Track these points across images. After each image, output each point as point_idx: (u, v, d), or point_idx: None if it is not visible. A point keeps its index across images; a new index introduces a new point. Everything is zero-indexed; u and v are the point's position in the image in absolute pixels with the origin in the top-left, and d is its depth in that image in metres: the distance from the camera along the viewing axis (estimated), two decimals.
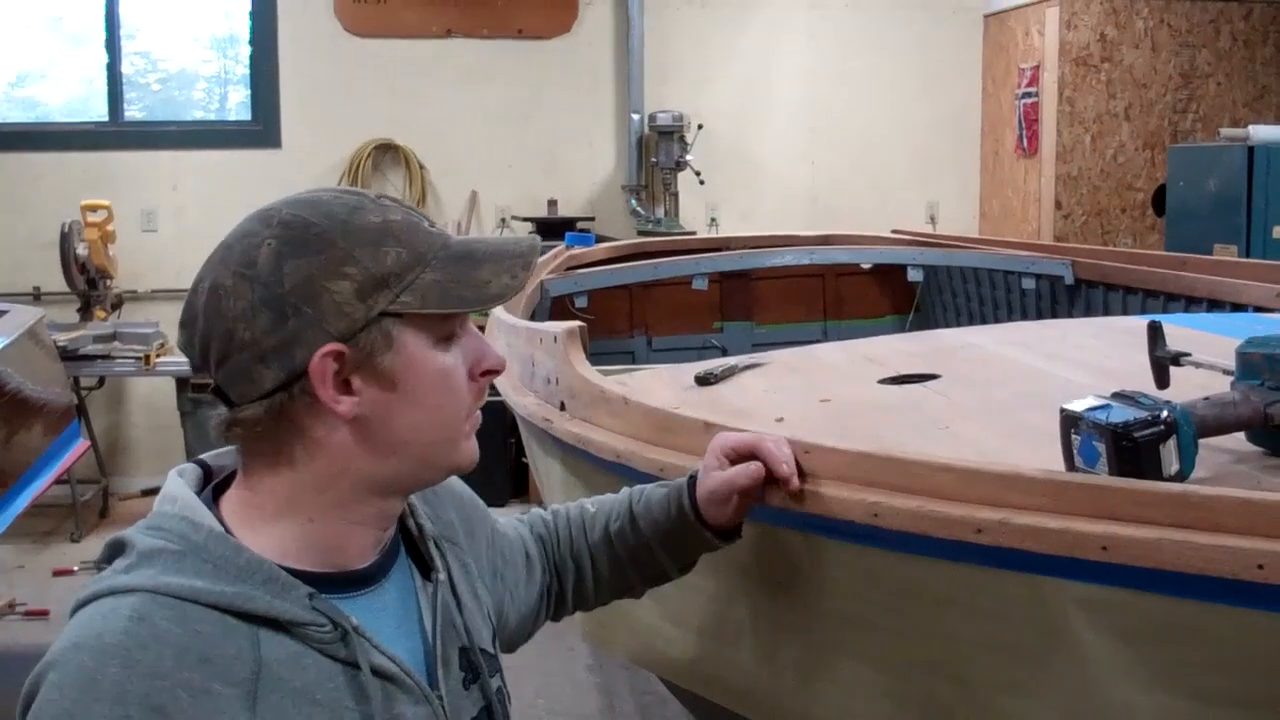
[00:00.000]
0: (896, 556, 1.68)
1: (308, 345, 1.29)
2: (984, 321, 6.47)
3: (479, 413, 1.45)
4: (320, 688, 1.28)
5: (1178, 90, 7.83)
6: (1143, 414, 1.57)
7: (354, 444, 1.33)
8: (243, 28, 8.22)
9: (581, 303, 5.64)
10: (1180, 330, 2.96)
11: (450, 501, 1.62)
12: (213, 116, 8.40)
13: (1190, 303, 4.92)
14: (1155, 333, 1.95)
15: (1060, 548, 1.47)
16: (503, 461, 7.63)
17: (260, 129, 8.05)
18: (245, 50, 8.26)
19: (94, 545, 6.66)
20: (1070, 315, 5.76)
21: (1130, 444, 1.55)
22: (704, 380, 2.51)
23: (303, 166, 7.88)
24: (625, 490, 1.90)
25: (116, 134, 7.91)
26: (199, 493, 1.38)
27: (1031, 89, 8.00)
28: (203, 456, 1.45)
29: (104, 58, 7.99)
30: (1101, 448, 1.57)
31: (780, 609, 1.98)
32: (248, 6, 8.03)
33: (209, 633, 1.22)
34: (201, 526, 1.29)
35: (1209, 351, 2.03)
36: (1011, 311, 6.25)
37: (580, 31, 8.36)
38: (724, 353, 6.94)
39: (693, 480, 1.80)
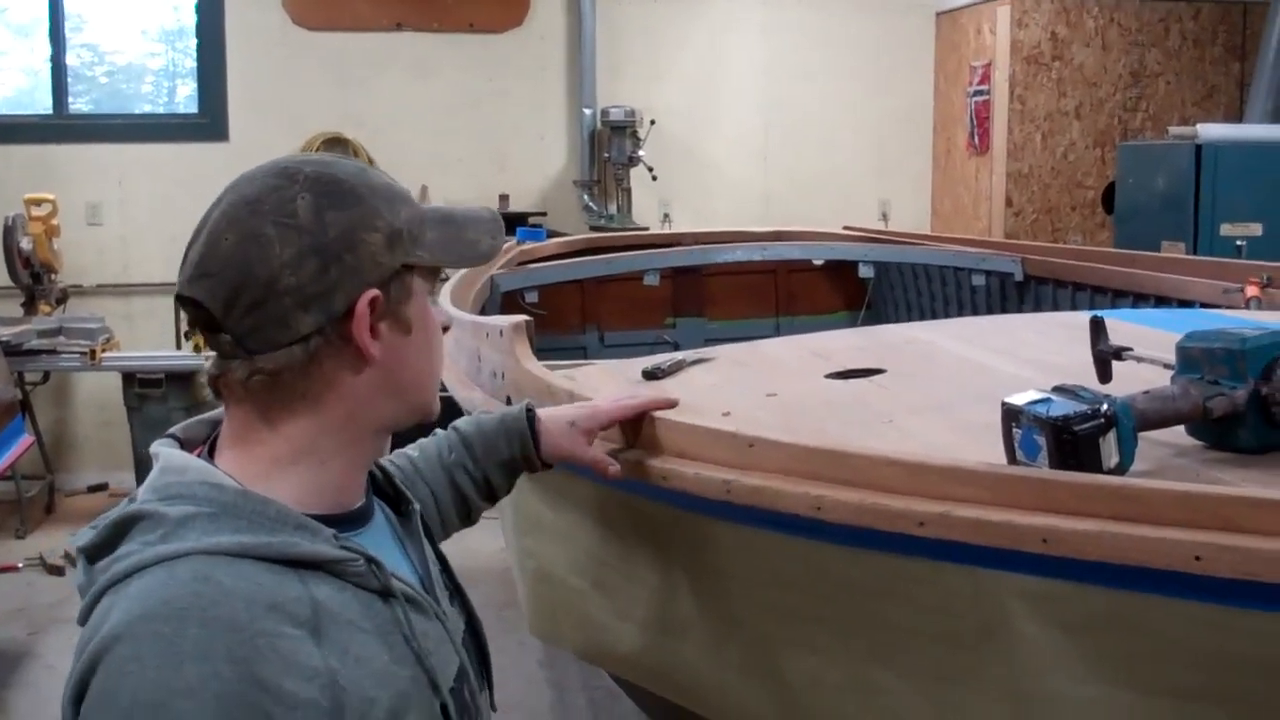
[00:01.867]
0: (840, 549, 1.68)
1: (347, 292, 1.35)
2: (934, 318, 6.50)
3: None
4: (364, 617, 1.34)
5: (1128, 89, 7.89)
6: (1083, 408, 1.58)
7: (372, 386, 1.40)
8: (192, 21, 8.15)
9: (532, 298, 5.62)
10: (1125, 326, 2.98)
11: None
12: (161, 110, 8.31)
13: (1138, 299, 4.96)
14: (1098, 328, 1.96)
15: (1001, 540, 1.48)
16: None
17: (207, 122, 7.97)
18: (194, 43, 8.20)
19: (38, 542, 6.60)
20: (1020, 312, 5.79)
21: (1070, 437, 1.55)
22: (651, 375, 2.51)
23: (250, 160, 7.33)
24: (450, 429, 2.01)
25: (61, 127, 7.80)
26: None
27: (983, 87, 8.04)
28: (171, 431, 1.47)
29: (48, 50, 7.91)
30: (1042, 441, 1.58)
31: (724, 602, 1.98)
32: None
33: (267, 582, 1.27)
34: (226, 487, 1.33)
35: (1153, 347, 2.04)
36: (962, 308, 6.28)
37: (532, 25, 8.33)
38: (676, 348, 6.93)
39: (532, 423, 1.95)
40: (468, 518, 2.06)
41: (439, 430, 2.00)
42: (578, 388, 2.26)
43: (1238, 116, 7.65)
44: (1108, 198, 7.94)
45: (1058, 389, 1.66)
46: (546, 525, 2.47)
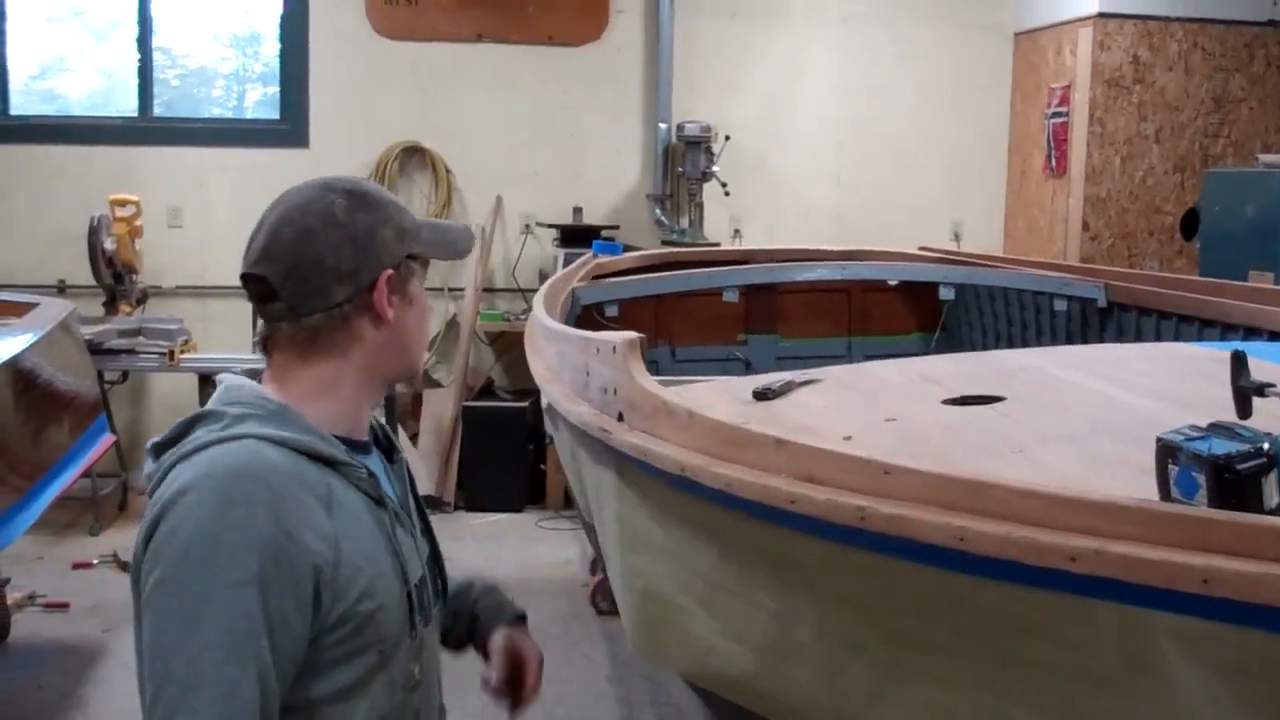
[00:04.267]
0: (980, 581, 1.66)
1: (372, 270, 1.83)
2: (1012, 341, 6.45)
3: None
4: (363, 510, 1.81)
5: (1209, 114, 7.80)
6: (1244, 446, 1.55)
7: (384, 342, 1.87)
8: (264, 26, 8.25)
9: (611, 312, 5.62)
10: (1220, 355, 2.94)
11: None
12: (230, 114, 8.40)
13: (1227, 329, 4.89)
14: (1239, 363, 1.93)
15: (1158, 579, 1.45)
16: (520, 467, 7.63)
17: (288, 128, 8.05)
18: (266, 48, 8.29)
19: (112, 539, 6.67)
20: (1102, 338, 5.73)
21: (1232, 476, 1.53)
22: (762, 395, 2.49)
23: (330, 167, 7.82)
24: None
25: (145, 129, 7.92)
26: None
27: (1062, 109, 7.98)
28: (237, 371, 1.92)
29: (128, 52, 8.04)
30: (1201, 479, 1.55)
31: (849, 629, 1.96)
32: (278, 6, 8.06)
33: (299, 464, 1.73)
34: (273, 401, 1.81)
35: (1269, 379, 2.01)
36: (1040, 333, 6.22)
37: (610, 39, 8.35)
38: (748, 365, 6.93)
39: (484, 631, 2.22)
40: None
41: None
42: (693, 405, 2.25)
43: None
44: (1186, 224, 7.85)
45: (1214, 426, 1.63)
46: (656, 544, 2.46)
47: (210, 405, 1.81)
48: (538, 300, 4.43)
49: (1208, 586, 1.42)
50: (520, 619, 2.25)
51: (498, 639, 2.18)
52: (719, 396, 2.54)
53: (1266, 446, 1.56)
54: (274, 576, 1.63)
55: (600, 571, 5.98)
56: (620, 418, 2.49)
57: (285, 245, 1.81)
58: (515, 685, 2.15)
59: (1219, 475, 1.53)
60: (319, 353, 1.84)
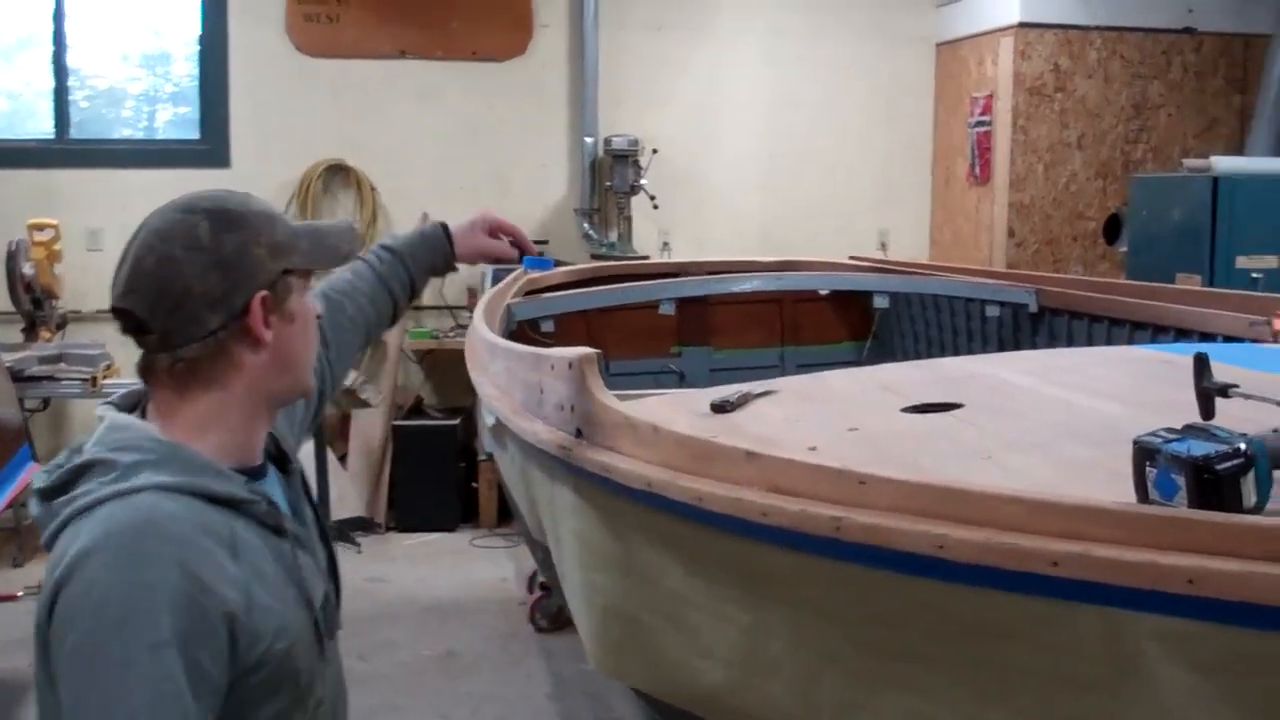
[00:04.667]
0: (959, 588, 1.66)
1: (244, 293, 1.75)
2: (944, 348, 6.50)
3: None
4: (265, 547, 1.76)
5: (1129, 121, 7.93)
6: (1223, 447, 1.56)
7: (267, 365, 1.80)
8: (175, 46, 8.11)
9: (548, 327, 5.60)
10: (1170, 358, 2.98)
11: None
12: (142, 134, 8.25)
13: (1158, 331, 4.96)
14: (1202, 365, 1.95)
15: (1143, 581, 1.46)
16: (451, 485, 7.56)
17: (209, 148, 7.94)
18: (176, 68, 8.15)
19: (37, 570, 6.51)
20: (1034, 343, 5.80)
21: (1212, 477, 1.54)
22: (719, 408, 2.47)
23: (252, 186, 7.38)
24: (379, 247, 2.52)
25: (63, 152, 7.77)
26: None
27: (985, 117, 8.07)
28: (110, 400, 1.86)
29: (36, 73, 7.89)
30: (1181, 481, 1.56)
31: (824, 640, 1.95)
32: (191, 25, 7.94)
33: (200, 511, 1.68)
34: (165, 441, 1.73)
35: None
36: (972, 339, 6.28)
37: (534, 54, 8.33)
38: (682, 378, 6.93)
39: (448, 234, 2.55)
40: (393, 318, 2.53)
41: (362, 256, 2.47)
42: (661, 420, 2.23)
43: (1239, 149, 7.69)
44: (1109, 229, 7.97)
45: (1189, 428, 1.64)
46: (618, 560, 2.43)
47: (95, 448, 1.73)
48: (478, 316, 4.39)
49: (1193, 586, 1.42)
50: (445, 228, 2.55)
51: (466, 245, 2.53)
52: (675, 410, 2.53)
53: (1244, 447, 1.57)
54: (191, 633, 1.60)
55: (538, 589, 5.94)
56: (579, 434, 2.47)
57: (149, 276, 1.74)
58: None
59: (1199, 476, 1.54)
60: (200, 384, 1.77)
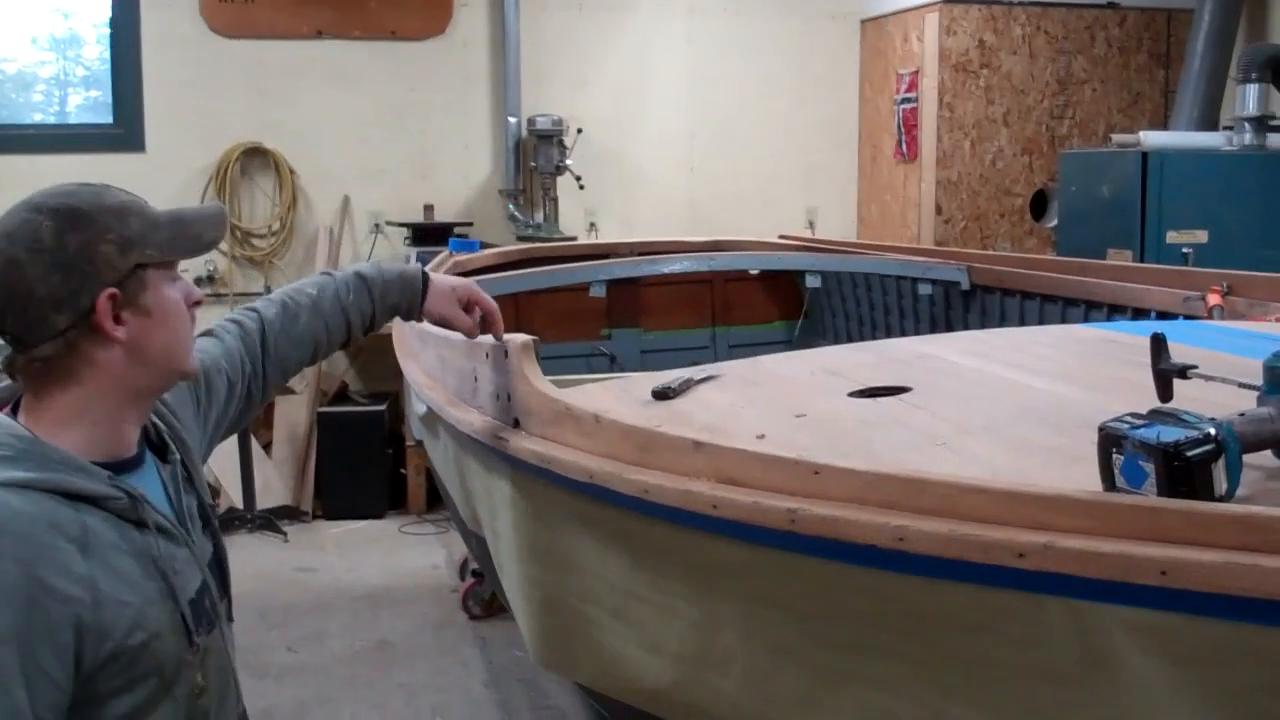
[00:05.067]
0: (921, 581, 1.60)
1: (90, 292, 1.74)
2: (876, 326, 6.48)
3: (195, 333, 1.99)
4: (123, 541, 1.76)
5: (1054, 96, 7.94)
6: (1193, 433, 1.51)
7: (125, 361, 1.79)
8: (84, 28, 7.90)
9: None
10: (1114, 336, 2.95)
11: (169, 398, 2.07)
12: (53, 119, 8.02)
13: (1091, 308, 4.95)
14: (1159, 345, 1.89)
15: (1113, 572, 1.41)
16: (379, 472, 7.44)
17: (122, 132, 7.72)
18: (87, 51, 7.94)
19: None
20: (966, 321, 5.79)
21: (1183, 464, 1.48)
22: (662, 395, 2.39)
23: (168, 170, 7.59)
24: (353, 273, 2.44)
25: None
26: None
27: (910, 94, 8.05)
28: None
29: None
30: (1150, 468, 1.50)
31: (779, 634, 1.89)
32: (102, 7, 7.71)
33: (48, 507, 1.68)
34: (23, 436, 1.74)
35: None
36: (904, 316, 6.27)
37: (455, 33, 8.19)
38: (613, 360, 6.86)
39: (425, 283, 2.42)
40: (345, 344, 2.48)
41: (335, 272, 2.45)
42: (603, 410, 2.15)
43: (1163, 123, 7.73)
44: (1036, 205, 7.99)
45: (1155, 412, 1.59)
46: (559, 553, 2.35)
47: None
48: None
49: (1166, 578, 1.37)
50: (425, 278, 2.42)
51: (437, 303, 2.40)
52: (615, 398, 2.45)
53: (1214, 432, 1.52)
54: (28, 630, 1.62)
55: (470, 575, 5.85)
56: (516, 424, 2.39)
57: None
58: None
59: (1169, 463, 1.49)
60: (58, 382, 1.78)
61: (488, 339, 2.53)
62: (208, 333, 2.27)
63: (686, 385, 2.44)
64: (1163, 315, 4.54)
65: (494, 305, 2.44)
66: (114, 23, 7.69)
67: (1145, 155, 5.95)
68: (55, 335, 1.74)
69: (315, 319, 2.37)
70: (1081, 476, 1.68)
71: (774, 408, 2.27)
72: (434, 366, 2.94)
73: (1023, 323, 5.39)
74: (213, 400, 2.22)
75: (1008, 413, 2.07)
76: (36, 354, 1.75)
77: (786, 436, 2.00)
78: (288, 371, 2.39)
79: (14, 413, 1.84)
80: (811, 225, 8.71)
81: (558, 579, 2.38)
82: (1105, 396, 1.75)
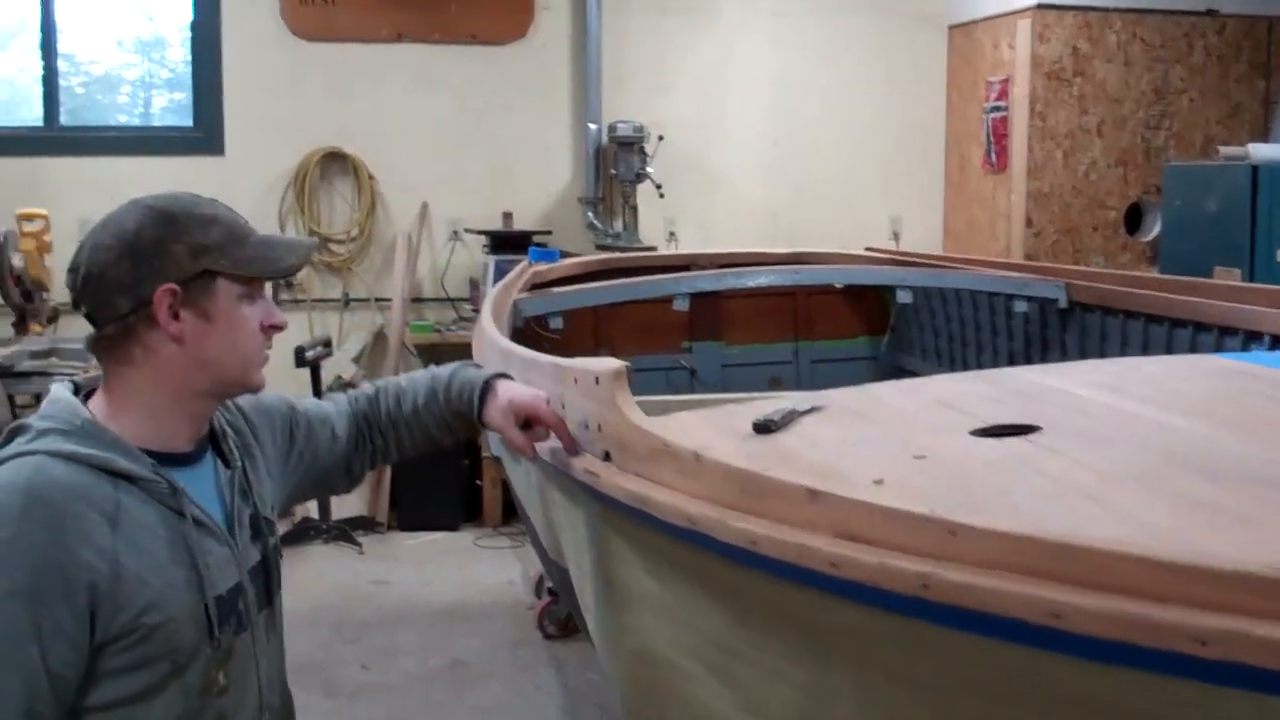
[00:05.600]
0: (1075, 662, 1.41)
1: (152, 284, 1.89)
2: (968, 345, 6.26)
3: (268, 353, 2.07)
4: (159, 524, 1.88)
5: (1150, 106, 7.67)
6: None
7: (179, 357, 1.93)
8: (169, 31, 7.88)
9: (557, 324, 5.35)
10: (1254, 369, 2.73)
11: (254, 415, 2.24)
12: (137, 121, 8.02)
13: (1199, 329, 4.71)
14: None
15: None
16: (454, 484, 7.32)
17: (202, 136, 7.67)
18: (171, 53, 7.93)
19: None
20: (1064, 341, 5.56)
21: None
22: (763, 428, 2.21)
23: (247, 174, 7.53)
24: (428, 375, 2.50)
25: (53, 139, 7.50)
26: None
27: (1001, 103, 7.81)
28: (75, 379, 2.04)
29: (27, 60, 7.63)
30: None
31: (900, 709, 1.70)
32: (187, 9, 7.67)
33: (86, 480, 1.82)
34: (80, 414, 1.89)
35: None
36: (997, 334, 6.04)
37: (536, 37, 8.06)
38: (693, 374, 6.69)
39: (484, 394, 2.41)
40: (439, 446, 2.56)
41: (434, 367, 2.52)
42: (703, 448, 1.98)
43: (1263, 135, 7.45)
44: (1130, 218, 7.73)
45: None
46: (653, 600, 2.18)
47: (31, 417, 1.93)
48: (487, 316, 4.14)
49: None
50: (493, 378, 2.43)
51: (492, 415, 2.38)
52: (712, 430, 2.27)
53: None
54: (46, 588, 1.73)
55: (546, 594, 5.71)
56: (606, 457, 2.22)
57: (83, 259, 1.93)
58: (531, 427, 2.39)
59: None
60: (118, 360, 1.93)
61: (577, 363, 2.38)
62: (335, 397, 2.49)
63: (790, 417, 2.26)
64: (1278, 339, 4.30)
65: (557, 420, 2.38)
66: (195, 25, 7.65)
67: (1256, 169, 5.68)
68: (118, 318, 1.89)
69: (386, 421, 2.47)
70: (1256, 542, 1.48)
71: (889, 446, 2.08)
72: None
73: (1125, 343, 5.15)
74: (308, 444, 2.35)
75: (1155, 459, 1.86)
76: (103, 332, 1.92)
77: (907, 481, 1.82)
78: (389, 456, 2.50)
79: (85, 400, 1.97)
80: (896, 236, 8.50)
81: (651, 628, 2.21)
82: (1262, 442, 1.56)
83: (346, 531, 6.98)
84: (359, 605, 6.07)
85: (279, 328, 2.06)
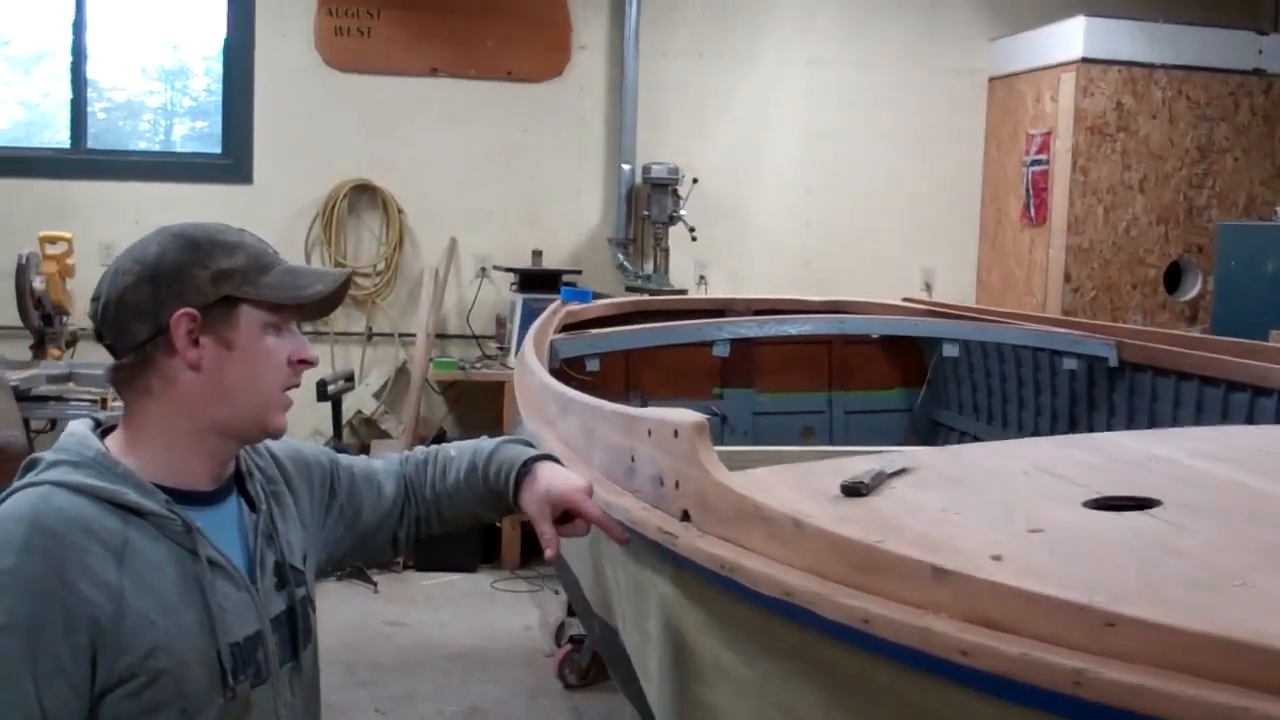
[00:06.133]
0: None
1: (171, 308, 1.82)
2: (1007, 400, 6.11)
3: (290, 395, 1.96)
4: (170, 563, 1.79)
5: (1194, 164, 7.55)
6: None
7: (200, 388, 1.85)
8: (193, 59, 7.82)
9: (594, 365, 5.22)
10: None
11: (289, 464, 2.14)
12: (158, 148, 7.92)
13: (1258, 393, 4.56)
14: None
15: None
16: (473, 527, 7.16)
17: (231, 163, 7.57)
18: (194, 83, 7.86)
19: None
20: (1112, 401, 5.41)
21: None
22: (853, 491, 2.05)
23: (274, 204, 7.42)
24: (473, 447, 2.35)
25: (79, 162, 7.40)
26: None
27: (1041, 156, 7.69)
28: (97, 415, 2.01)
29: (53, 84, 7.58)
30: None
31: None
32: (213, 38, 7.61)
33: (92, 513, 1.74)
34: (92, 446, 1.83)
35: None
36: (1040, 391, 5.89)
37: (571, 76, 7.98)
38: (724, 420, 6.54)
39: (520, 479, 2.24)
40: (484, 520, 2.43)
41: (484, 439, 2.38)
42: (803, 515, 1.83)
43: None
44: (1170, 277, 7.60)
45: None
46: (732, 675, 2.02)
47: (48, 451, 1.87)
48: (532, 362, 4.00)
49: None
50: (533, 461, 2.26)
51: (528, 503, 2.22)
52: (792, 489, 2.11)
53: None
54: (45, 623, 1.65)
55: (567, 642, 5.55)
56: (685, 516, 2.07)
57: (105, 284, 1.87)
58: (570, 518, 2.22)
59: None
60: (136, 392, 1.86)
61: (650, 413, 2.23)
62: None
63: (879, 479, 2.11)
64: None
65: (599, 514, 2.21)
66: (228, 52, 7.56)
67: None
68: (136, 346, 1.82)
69: (455, 490, 2.34)
70: None
71: (996, 516, 1.92)
72: (576, 437, 2.63)
73: (1178, 405, 5.00)
74: (351, 499, 2.24)
75: None
76: (123, 361, 1.85)
77: (1030, 559, 1.66)
78: (431, 528, 2.37)
79: (103, 436, 1.91)
80: (929, 287, 8.37)
81: (727, 704, 2.05)
82: None
83: (362, 569, 6.82)
84: (373, 646, 5.92)
85: (309, 363, 1.96)
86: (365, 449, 7.41)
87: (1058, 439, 2.62)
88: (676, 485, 2.11)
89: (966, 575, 1.52)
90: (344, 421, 7.34)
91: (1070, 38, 7.39)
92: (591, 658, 5.44)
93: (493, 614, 6.52)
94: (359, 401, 7.59)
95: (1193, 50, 7.48)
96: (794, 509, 1.89)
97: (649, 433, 2.21)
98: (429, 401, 7.75)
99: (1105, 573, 1.60)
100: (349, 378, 7.01)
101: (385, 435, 7.63)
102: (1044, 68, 7.71)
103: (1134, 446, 2.37)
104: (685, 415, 2.12)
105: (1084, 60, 7.35)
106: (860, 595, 1.64)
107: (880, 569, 1.64)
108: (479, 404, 7.62)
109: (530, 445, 2.34)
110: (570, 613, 5.73)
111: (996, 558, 1.69)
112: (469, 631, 6.21)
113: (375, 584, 6.78)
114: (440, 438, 7.53)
